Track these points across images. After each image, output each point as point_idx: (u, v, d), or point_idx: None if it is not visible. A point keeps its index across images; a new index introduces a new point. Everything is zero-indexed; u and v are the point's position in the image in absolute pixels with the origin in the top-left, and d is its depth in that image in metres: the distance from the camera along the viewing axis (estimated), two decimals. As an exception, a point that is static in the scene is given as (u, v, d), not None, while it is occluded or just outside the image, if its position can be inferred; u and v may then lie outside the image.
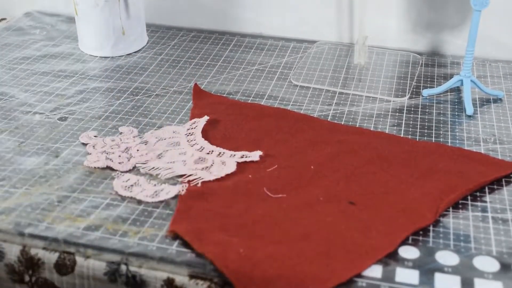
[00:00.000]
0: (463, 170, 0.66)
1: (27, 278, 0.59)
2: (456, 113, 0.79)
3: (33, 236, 0.60)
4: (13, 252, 0.59)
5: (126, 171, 0.68)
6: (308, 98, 0.83)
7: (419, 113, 0.79)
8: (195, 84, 0.85)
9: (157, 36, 1.02)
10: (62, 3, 1.08)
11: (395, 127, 0.76)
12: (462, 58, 0.91)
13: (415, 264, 0.55)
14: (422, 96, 0.83)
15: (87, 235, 0.59)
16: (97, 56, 0.95)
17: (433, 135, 0.74)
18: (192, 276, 0.55)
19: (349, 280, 0.53)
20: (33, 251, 0.59)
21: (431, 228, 0.60)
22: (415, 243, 0.58)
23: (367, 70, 0.90)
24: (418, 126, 0.76)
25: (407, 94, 0.83)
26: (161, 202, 0.64)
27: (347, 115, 0.79)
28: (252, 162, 0.68)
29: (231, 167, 0.67)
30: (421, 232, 0.59)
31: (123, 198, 0.64)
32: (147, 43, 0.99)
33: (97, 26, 0.93)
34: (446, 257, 0.56)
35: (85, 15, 0.93)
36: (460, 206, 0.63)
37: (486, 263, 0.55)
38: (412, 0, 0.94)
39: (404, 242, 0.58)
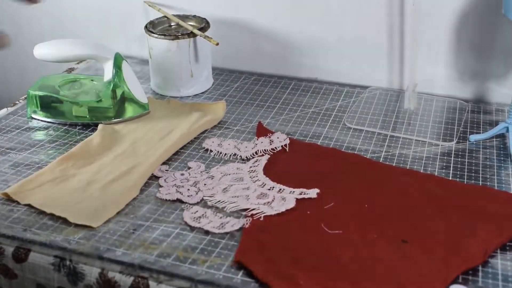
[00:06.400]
0: (511, 214, 0.69)
1: (105, 299, 0.63)
2: (502, 158, 0.82)
3: (111, 260, 0.64)
4: (92, 274, 0.63)
5: (195, 204, 0.72)
6: (361, 140, 0.87)
7: (466, 157, 0.82)
8: (259, 122, 0.90)
9: (221, 78, 1.05)
10: (137, 47, 1.12)
11: (443, 170, 0.79)
12: (507, 106, 0.94)
13: (465, 302, 0.58)
14: (469, 141, 0.86)
15: (160, 262, 0.63)
16: (167, 96, 0.99)
17: (480, 179, 0.77)
18: (256, 304, 0.58)
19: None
20: (110, 274, 0.63)
21: (480, 268, 0.62)
22: (465, 282, 0.61)
23: (416, 115, 0.93)
24: (466, 170, 0.79)
25: (454, 138, 0.87)
26: (226, 233, 0.67)
27: (398, 157, 0.82)
28: (310, 199, 0.72)
29: (290, 203, 0.71)
30: (470, 272, 0.62)
31: (192, 229, 0.68)
32: (212, 85, 1.03)
33: (169, 69, 0.98)
34: (495, 297, 0.59)
35: (158, 58, 0.98)
36: (508, 248, 0.65)
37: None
38: (460, 51, 0.97)
39: (454, 281, 0.60)
